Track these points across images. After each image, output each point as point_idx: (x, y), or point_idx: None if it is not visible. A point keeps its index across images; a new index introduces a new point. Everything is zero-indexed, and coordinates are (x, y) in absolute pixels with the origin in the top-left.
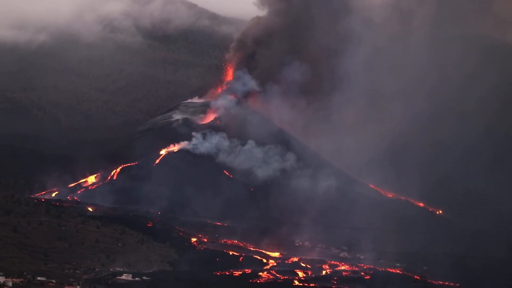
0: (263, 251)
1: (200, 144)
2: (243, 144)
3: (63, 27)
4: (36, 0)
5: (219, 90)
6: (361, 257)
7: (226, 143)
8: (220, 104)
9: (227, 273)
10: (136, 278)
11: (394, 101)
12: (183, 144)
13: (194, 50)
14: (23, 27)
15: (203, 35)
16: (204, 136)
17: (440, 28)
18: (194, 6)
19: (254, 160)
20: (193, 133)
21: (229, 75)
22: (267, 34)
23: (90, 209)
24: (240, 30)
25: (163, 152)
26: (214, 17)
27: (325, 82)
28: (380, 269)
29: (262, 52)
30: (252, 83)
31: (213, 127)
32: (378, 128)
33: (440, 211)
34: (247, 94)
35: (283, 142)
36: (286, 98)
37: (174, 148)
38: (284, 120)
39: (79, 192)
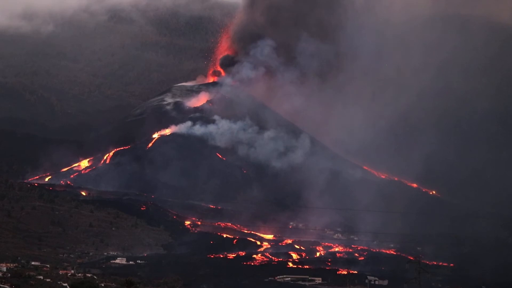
0: (257, 233)
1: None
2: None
3: (65, 15)
4: None
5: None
6: (355, 238)
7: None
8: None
9: (221, 256)
10: (131, 262)
11: (403, 74)
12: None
13: (186, 33)
14: (27, 16)
15: (195, 18)
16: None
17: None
18: None
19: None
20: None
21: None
22: (276, 10)
23: (83, 193)
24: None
25: (155, 135)
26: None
27: (335, 58)
28: (374, 250)
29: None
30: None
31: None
32: (382, 106)
33: (434, 192)
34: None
35: (282, 124)
36: (294, 75)
37: (166, 131)
38: (290, 99)
39: (72, 176)
